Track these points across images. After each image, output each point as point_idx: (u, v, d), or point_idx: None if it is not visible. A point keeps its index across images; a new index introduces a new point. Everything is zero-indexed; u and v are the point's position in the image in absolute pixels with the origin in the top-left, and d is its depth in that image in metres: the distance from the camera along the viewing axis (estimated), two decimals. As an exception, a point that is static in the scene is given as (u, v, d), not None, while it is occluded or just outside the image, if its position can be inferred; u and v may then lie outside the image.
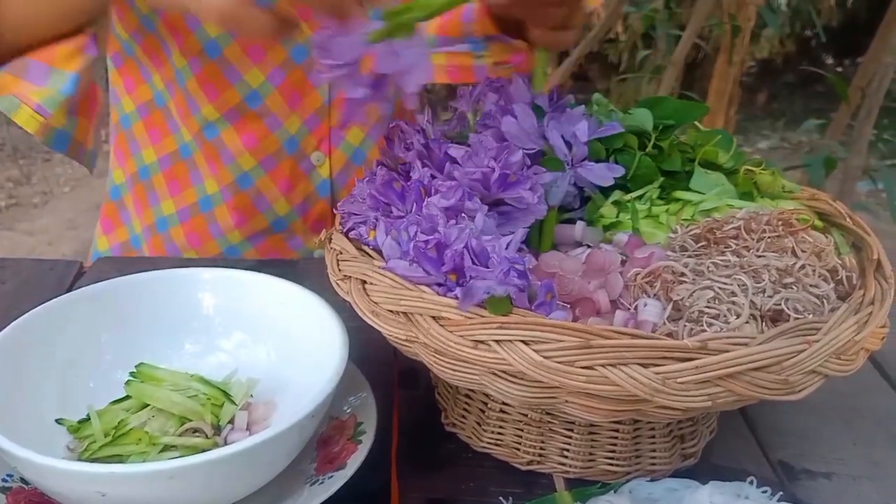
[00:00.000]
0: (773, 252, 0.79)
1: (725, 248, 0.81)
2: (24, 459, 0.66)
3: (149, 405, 0.86)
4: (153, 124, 1.33)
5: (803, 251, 0.80)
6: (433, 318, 0.71)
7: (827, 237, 0.83)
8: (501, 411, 0.86)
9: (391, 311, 0.74)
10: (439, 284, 0.74)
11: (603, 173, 0.87)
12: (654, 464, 0.85)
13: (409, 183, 0.83)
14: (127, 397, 0.87)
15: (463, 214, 0.77)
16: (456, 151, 0.85)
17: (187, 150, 1.32)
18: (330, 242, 0.87)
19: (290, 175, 1.31)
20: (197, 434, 0.84)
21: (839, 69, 7.75)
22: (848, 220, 0.89)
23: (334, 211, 0.99)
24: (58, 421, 0.84)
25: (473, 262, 0.72)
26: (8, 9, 0.93)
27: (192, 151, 1.32)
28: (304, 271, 1.22)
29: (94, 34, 0.98)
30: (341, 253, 0.83)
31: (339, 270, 0.82)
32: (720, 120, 4.36)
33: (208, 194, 1.33)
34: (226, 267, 0.96)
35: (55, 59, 0.95)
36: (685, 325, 0.73)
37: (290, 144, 1.29)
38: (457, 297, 0.71)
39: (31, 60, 0.95)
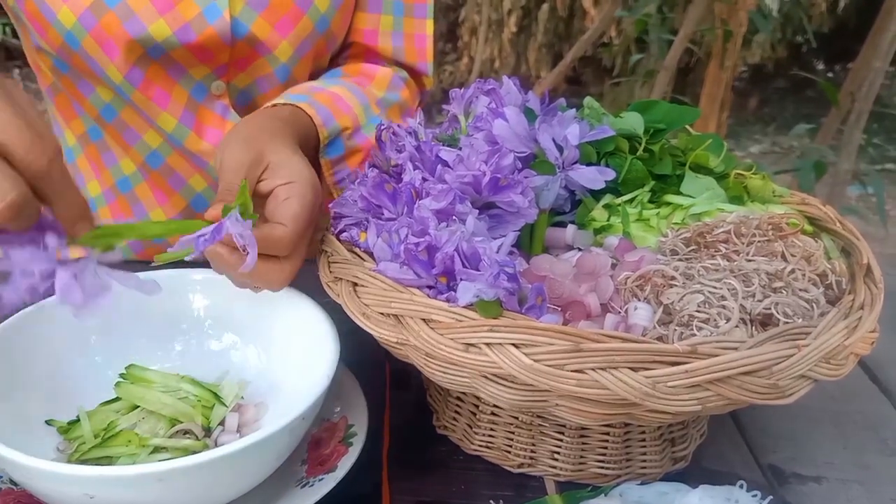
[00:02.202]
0: (763, 256, 0.80)
1: (716, 252, 0.81)
2: (12, 461, 0.66)
3: (139, 407, 0.86)
4: (92, 158, 1.31)
5: (793, 255, 0.80)
6: (423, 320, 0.71)
7: (817, 241, 0.83)
8: (492, 414, 0.86)
9: (382, 313, 0.74)
10: (430, 287, 0.74)
11: (594, 177, 0.87)
12: (644, 467, 0.85)
13: (400, 185, 0.83)
14: (117, 399, 0.87)
15: (454, 217, 0.77)
16: (447, 155, 0.85)
17: (127, 184, 1.30)
18: (321, 244, 0.86)
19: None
20: (187, 436, 0.84)
21: (830, 74, 7.78)
22: (838, 224, 0.89)
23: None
24: (47, 422, 0.84)
25: (464, 265, 0.72)
26: None
27: (132, 185, 1.29)
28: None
29: None
30: (332, 255, 0.83)
31: (330, 272, 0.82)
32: (712, 124, 4.37)
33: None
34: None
35: None
36: (675, 329, 0.73)
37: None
38: (447, 300, 0.71)
39: None
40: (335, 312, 0.84)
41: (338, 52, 1.31)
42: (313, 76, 1.26)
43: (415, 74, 1.35)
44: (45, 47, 1.15)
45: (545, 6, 7.27)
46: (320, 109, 1.04)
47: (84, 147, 1.31)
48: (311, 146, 1.03)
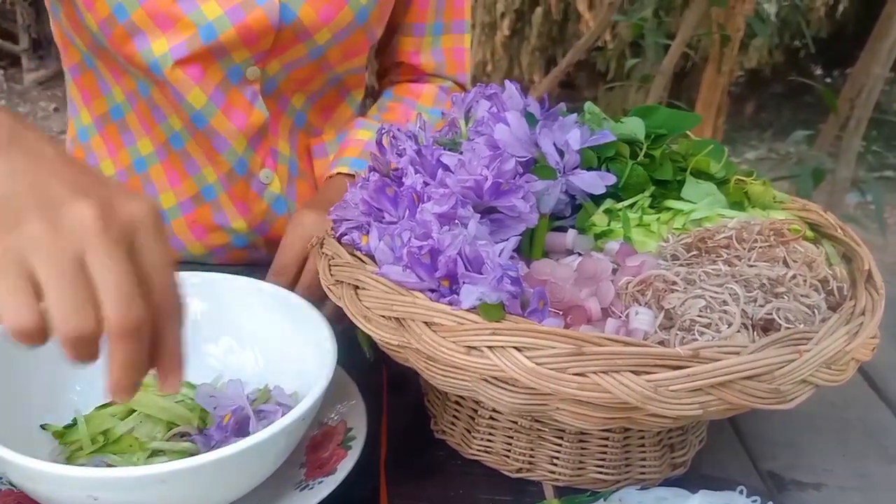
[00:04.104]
0: (764, 262, 0.79)
1: (717, 257, 0.81)
2: (16, 464, 0.65)
3: (135, 410, 0.85)
4: (110, 137, 1.32)
5: (794, 261, 0.80)
6: (426, 323, 0.71)
7: (818, 248, 0.83)
8: (491, 418, 0.86)
9: (383, 316, 0.74)
10: (432, 290, 0.74)
11: (595, 181, 0.87)
12: (643, 473, 0.85)
13: (401, 189, 0.83)
14: (112, 402, 0.87)
15: (456, 221, 0.77)
16: (449, 159, 0.84)
17: (143, 164, 1.31)
18: (322, 247, 0.86)
19: (244, 198, 1.31)
20: (185, 438, 0.83)
21: (828, 80, 7.78)
22: (839, 231, 0.89)
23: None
24: (42, 426, 0.83)
25: (466, 269, 0.72)
26: None
27: (147, 165, 1.31)
28: (293, 276, 1.22)
29: None
30: (333, 258, 0.83)
31: (331, 275, 0.81)
32: (708, 130, 4.37)
33: (164, 209, 1.32)
34: (214, 272, 0.96)
35: None
36: (677, 334, 0.73)
37: (239, 165, 1.29)
38: (450, 304, 0.71)
39: None
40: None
41: (388, 69, 1.45)
42: (348, 71, 1.33)
43: (457, 84, 1.46)
44: (87, 20, 1.16)
45: (539, 10, 7.27)
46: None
47: (103, 126, 1.32)
48: None
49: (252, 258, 1.37)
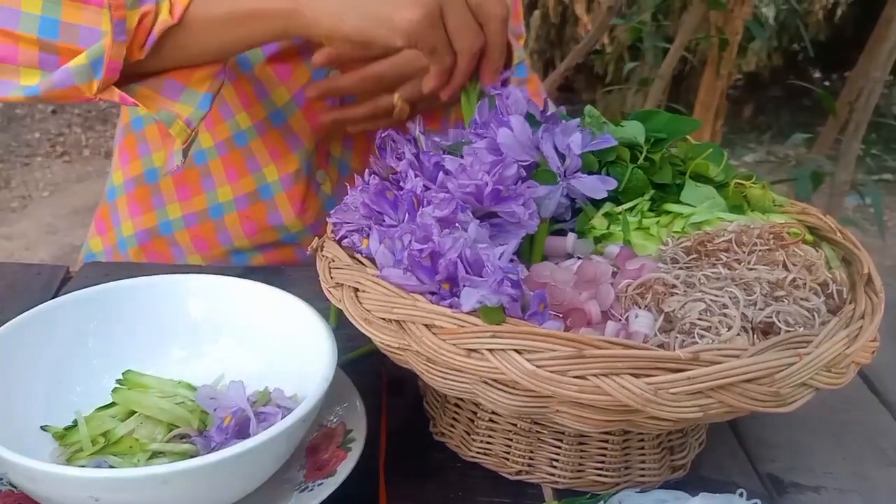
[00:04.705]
0: (764, 265, 0.80)
1: (717, 260, 0.81)
2: (17, 464, 0.66)
3: (135, 412, 0.85)
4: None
5: (794, 265, 0.80)
6: (426, 326, 0.71)
7: (817, 251, 0.83)
8: (491, 421, 0.86)
9: (383, 318, 0.74)
10: (432, 293, 0.74)
11: (596, 185, 0.87)
12: (643, 475, 0.85)
13: (401, 192, 0.83)
14: (113, 404, 0.87)
15: (456, 225, 0.77)
16: (450, 163, 0.85)
17: (202, 157, 1.32)
18: (322, 250, 0.86)
19: (303, 196, 1.32)
20: (185, 440, 0.84)
21: (826, 83, 7.79)
22: (838, 234, 0.89)
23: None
24: (43, 428, 0.83)
25: (467, 272, 0.72)
26: (198, 38, 0.99)
27: (207, 158, 1.31)
28: (292, 279, 1.22)
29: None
30: (333, 260, 0.83)
31: (332, 278, 0.81)
32: (707, 133, 4.37)
33: (220, 202, 1.33)
34: (213, 274, 0.96)
35: (191, 81, 1.02)
36: (677, 337, 0.73)
37: (307, 164, 1.30)
38: (450, 306, 0.71)
39: (169, 79, 1.01)
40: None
41: None
42: None
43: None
44: None
45: (537, 13, 7.27)
46: None
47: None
48: None
49: (298, 255, 1.38)
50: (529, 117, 0.91)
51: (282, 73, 1.21)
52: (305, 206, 1.33)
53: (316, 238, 0.89)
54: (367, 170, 0.94)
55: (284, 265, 1.35)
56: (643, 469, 0.85)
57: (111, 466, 0.79)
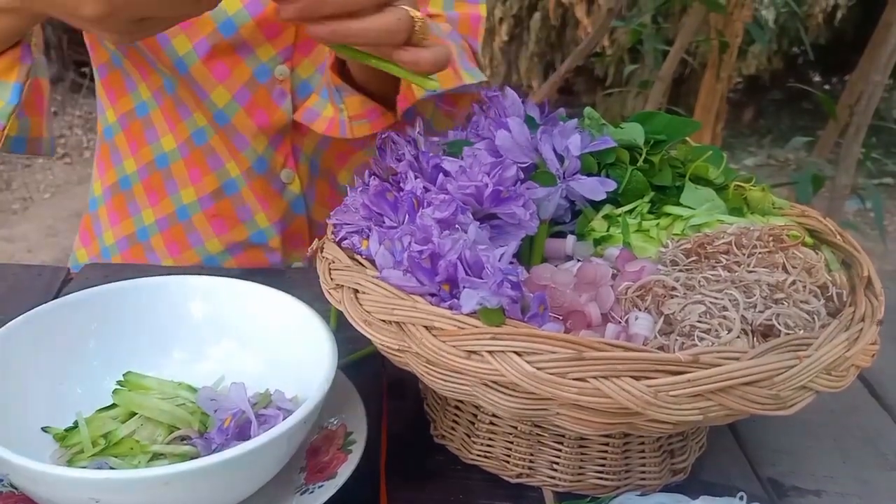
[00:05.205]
0: (764, 268, 0.80)
1: (716, 262, 0.81)
2: (19, 466, 0.66)
3: (136, 413, 0.85)
4: (133, 135, 1.33)
5: (794, 267, 0.80)
6: (426, 327, 0.71)
7: (817, 254, 0.83)
8: (491, 423, 0.86)
9: (384, 320, 0.74)
10: (432, 294, 0.74)
11: (595, 187, 0.87)
12: (643, 478, 0.85)
13: (401, 194, 0.83)
14: (114, 405, 0.87)
15: (456, 227, 0.77)
16: (450, 165, 0.85)
17: (165, 160, 1.32)
18: (322, 251, 0.86)
19: (264, 194, 1.32)
20: (185, 442, 0.83)
21: (826, 87, 7.79)
22: (838, 237, 0.89)
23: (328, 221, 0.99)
24: (44, 429, 0.83)
25: (467, 273, 0.72)
26: None
27: (170, 161, 1.32)
28: (292, 280, 1.22)
29: (26, 43, 1.01)
30: (333, 262, 0.83)
31: (332, 279, 0.81)
32: (707, 136, 4.37)
33: (184, 204, 1.33)
34: (214, 275, 0.96)
35: None
36: (676, 339, 0.73)
37: (258, 164, 1.30)
38: (450, 308, 0.71)
39: None
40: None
41: None
42: None
43: None
44: None
45: (537, 15, 7.27)
46: None
47: (128, 123, 1.34)
48: None
49: (269, 260, 1.37)
50: (528, 118, 0.91)
51: (219, 73, 1.20)
52: (269, 205, 1.33)
53: (315, 240, 0.89)
54: (366, 171, 0.95)
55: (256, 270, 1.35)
56: (643, 472, 0.85)
57: (112, 468, 0.79)
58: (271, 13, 1.13)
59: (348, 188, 0.90)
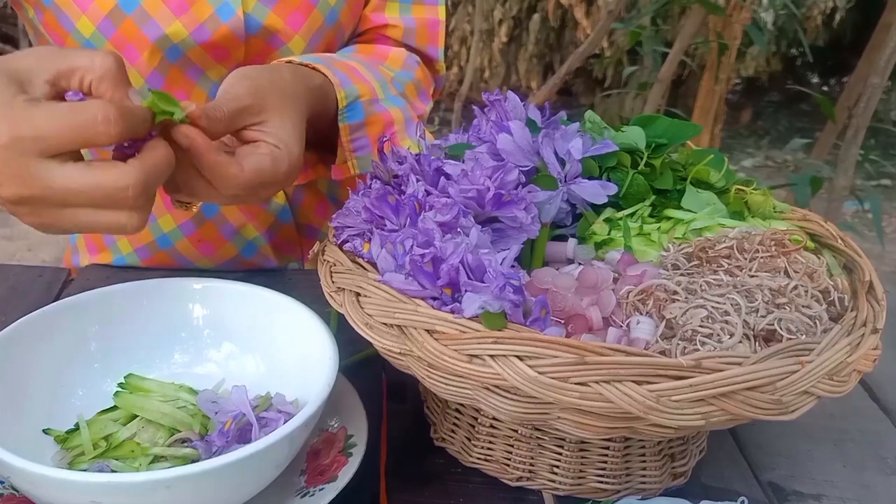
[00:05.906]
0: (765, 272, 0.80)
1: (718, 267, 0.81)
2: (20, 469, 0.66)
3: (137, 416, 0.85)
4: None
5: (796, 272, 0.80)
6: (427, 331, 0.71)
7: (819, 258, 0.83)
8: (491, 427, 0.86)
9: (385, 324, 0.74)
10: (434, 298, 0.74)
11: (596, 191, 0.87)
12: (644, 482, 0.85)
13: (403, 197, 0.83)
14: (115, 408, 0.87)
15: (458, 230, 0.77)
16: (452, 168, 0.85)
17: None
18: (323, 254, 0.86)
19: (247, 210, 1.31)
20: (186, 445, 0.83)
21: (825, 88, 7.80)
22: (839, 241, 0.89)
23: (325, 227, 0.98)
24: (45, 431, 0.83)
25: (469, 277, 0.72)
26: None
27: None
28: (293, 283, 1.22)
29: None
30: (335, 265, 0.83)
31: (333, 282, 0.81)
32: (705, 138, 4.38)
33: (164, 232, 1.31)
34: (215, 278, 0.96)
35: None
36: (678, 344, 0.73)
37: None
38: (452, 312, 0.71)
39: None
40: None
41: (347, 42, 1.30)
42: None
43: (426, 60, 1.35)
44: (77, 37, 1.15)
45: (536, 16, 7.28)
46: (336, 73, 1.03)
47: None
48: (331, 110, 1.02)
49: (261, 265, 1.36)
50: (529, 121, 0.91)
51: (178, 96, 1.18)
52: (254, 217, 1.32)
53: (316, 243, 0.89)
54: (368, 174, 0.94)
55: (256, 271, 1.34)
56: (644, 476, 0.85)
57: (113, 470, 0.79)
58: (218, 38, 1.12)
59: (350, 191, 0.90)
